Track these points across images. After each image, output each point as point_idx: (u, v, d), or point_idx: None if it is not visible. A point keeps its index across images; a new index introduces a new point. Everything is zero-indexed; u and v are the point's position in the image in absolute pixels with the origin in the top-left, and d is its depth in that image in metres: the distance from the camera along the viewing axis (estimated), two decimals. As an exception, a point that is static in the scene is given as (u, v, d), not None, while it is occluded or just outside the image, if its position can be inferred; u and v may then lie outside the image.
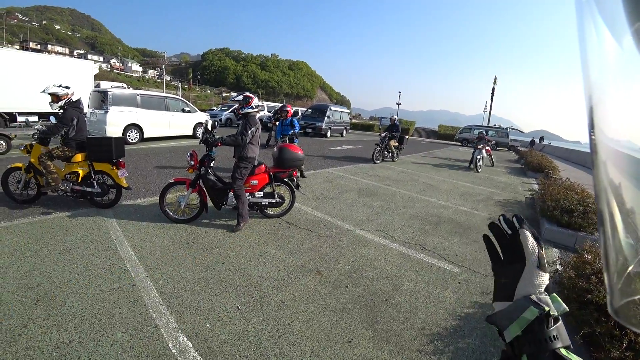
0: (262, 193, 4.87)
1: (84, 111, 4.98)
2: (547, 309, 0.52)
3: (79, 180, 4.83)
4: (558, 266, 3.52)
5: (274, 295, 3.08)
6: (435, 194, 7.70)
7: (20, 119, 12.78)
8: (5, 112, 12.55)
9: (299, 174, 5.16)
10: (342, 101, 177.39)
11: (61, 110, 4.74)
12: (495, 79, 39.63)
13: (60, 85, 4.77)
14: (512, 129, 30.30)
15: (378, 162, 11.76)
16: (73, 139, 4.76)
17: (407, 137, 14.01)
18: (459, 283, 3.62)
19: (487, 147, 13.71)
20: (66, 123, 4.64)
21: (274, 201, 4.91)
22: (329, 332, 2.64)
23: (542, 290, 0.56)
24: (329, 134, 20.47)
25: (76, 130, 4.74)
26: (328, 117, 20.21)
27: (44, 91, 4.74)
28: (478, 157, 12.56)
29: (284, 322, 2.72)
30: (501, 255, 0.61)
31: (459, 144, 28.34)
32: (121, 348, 2.30)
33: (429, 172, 10.90)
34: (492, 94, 39.43)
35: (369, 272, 3.69)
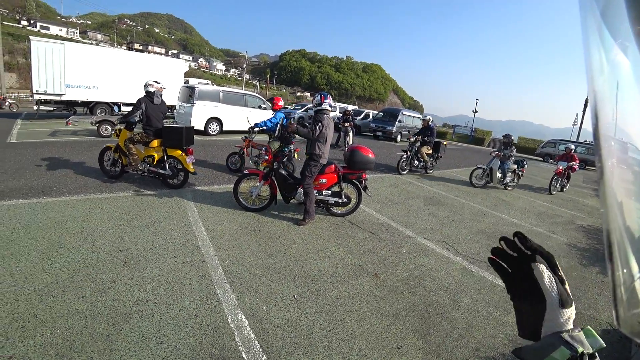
0: (329, 191, 4.98)
1: (158, 102, 5.61)
2: (580, 349, 0.47)
3: (155, 163, 5.52)
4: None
5: (330, 291, 3.17)
6: (508, 211, 7.17)
7: (123, 108, 14.67)
8: (112, 102, 14.50)
9: (367, 177, 5.19)
10: (415, 106, 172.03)
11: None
12: (592, 89, 35.38)
13: (146, 82, 5.60)
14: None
15: (404, 173, 9.59)
16: (149, 126, 5.46)
17: (444, 143, 11.10)
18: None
19: (572, 165, 10.55)
20: (135, 107, 5.36)
21: (340, 200, 4.99)
22: (379, 334, 2.65)
23: (571, 324, 0.51)
24: (399, 138, 20.07)
25: (146, 117, 5.43)
26: (399, 121, 19.80)
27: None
28: (480, 166, 9.43)
29: (336, 317, 2.78)
30: (513, 283, 0.56)
31: (541, 159, 25.94)
32: (187, 314, 2.58)
33: (501, 187, 10.10)
34: (585, 105, 35.19)
35: (427, 282, 3.60)
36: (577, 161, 10.94)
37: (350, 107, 18.99)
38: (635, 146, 0.39)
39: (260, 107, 14.40)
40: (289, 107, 29.63)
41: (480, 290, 3.58)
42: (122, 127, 5.60)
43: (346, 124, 13.42)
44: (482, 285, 3.69)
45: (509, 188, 9.64)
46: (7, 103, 18.66)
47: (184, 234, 3.93)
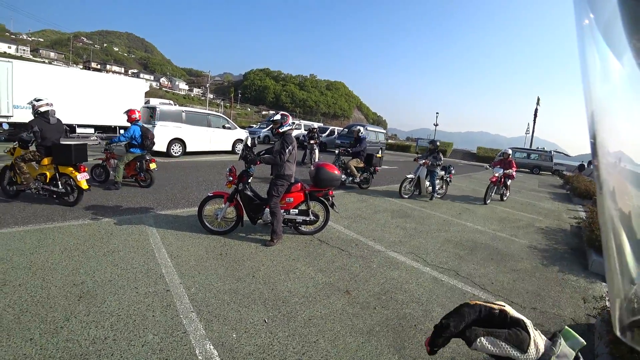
0: (297, 210, 4.92)
1: (54, 121, 5.54)
2: None
3: (47, 181, 5.41)
4: (607, 303, 3.26)
5: (301, 312, 3.08)
6: (472, 218, 7.43)
7: (79, 130, 13.97)
8: (67, 124, 13.80)
9: (334, 193, 5.17)
10: (379, 121, 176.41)
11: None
12: (539, 99, 37.87)
13: (35, 99, 5.47)
14: (556, 152, 28.79)
15: None
16: (41, 145, 5.36)
17: (378, 155, 9.58)
18: (494, 313, 3.43)
19: (509, 172, 9.65)
20: (26, 129, 5.25)
21: (308, 219, 4.93)
22: (354, 353, 2.60)
23: (542, 348, 0.52)
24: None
25: (41, 137, 5.32)
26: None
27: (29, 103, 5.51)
28: (409, 176, 8.64)
29: (310, 339, 2.71)
30: None
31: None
32: (151, 349, 2.39)
33: (466, 195, 10.54)
34: (535, 115, 37.69)
35: (399, 295, 3.60)
36: (515, 167, 10.02)
37: (316, 125, 19.18)
38: (630, 156, 0.38)
39: (224, 127, 14.22)
40: (254, 125, 29.57)
41: (451, 299, 3.64)
42: (16, 146, 5.46)
43: (312, 142, 13.53)
44: (452, 294, 3.75)
45: (437, 196, 9.05)
46: None
47: (145, 262, 3.71)
